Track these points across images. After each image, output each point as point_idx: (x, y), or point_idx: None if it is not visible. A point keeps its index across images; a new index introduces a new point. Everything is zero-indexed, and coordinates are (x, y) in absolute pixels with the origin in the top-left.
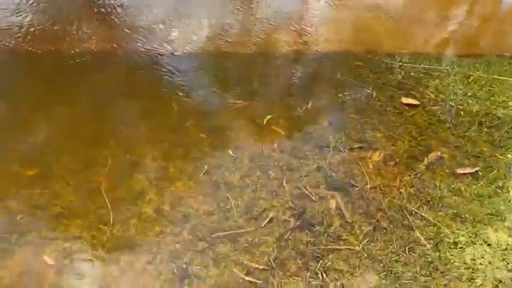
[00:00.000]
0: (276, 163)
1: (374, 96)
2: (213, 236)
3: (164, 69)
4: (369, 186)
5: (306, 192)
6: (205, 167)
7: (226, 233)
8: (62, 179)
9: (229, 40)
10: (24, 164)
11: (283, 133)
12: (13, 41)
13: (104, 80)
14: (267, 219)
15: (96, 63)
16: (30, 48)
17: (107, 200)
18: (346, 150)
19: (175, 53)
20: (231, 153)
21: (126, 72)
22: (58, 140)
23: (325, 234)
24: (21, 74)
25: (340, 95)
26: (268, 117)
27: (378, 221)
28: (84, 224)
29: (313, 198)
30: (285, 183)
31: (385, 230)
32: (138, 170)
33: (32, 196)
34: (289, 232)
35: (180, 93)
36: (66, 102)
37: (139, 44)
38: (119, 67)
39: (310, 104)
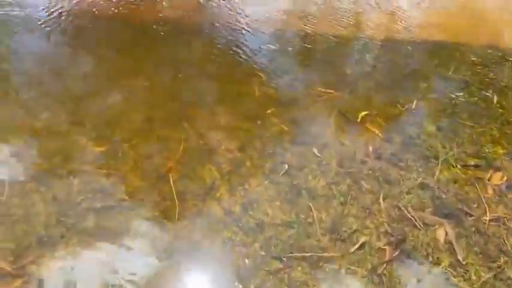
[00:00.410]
0: (371, 172)
1: (495, 101)
2: (290, 255)
3: (248, 49)
4: (487, 218)
5: (408, 214)
6: (285, 166)
7: (305, 254)
8: (131, 160)
9: (319, 21)
10: (95, 139)
11: (380, 135)
12: (95, 9)
13: (184, 57)
14: (358, 245)
15: (178, 38)
16: (110, 15)
17: (174, 191)
18: (458, 166)
19: (262, 32)
20: (316, 152)
21: (208, 50)
22: (131, 116)
23: (430, 274)
24: (100, 42)
25: (452, 95)
26: (364, 113)
27: (500, 267)
28: (147, 216)
29: (416, 223)
30: (381, 200)
31: (510, 281)
32: (210, 159)
33: (97, 176)
34: (385, 265)
35: (263, 77)
36: (143, 76)
37: (224, 21)
38: (201, 44)
39: (414, 102)
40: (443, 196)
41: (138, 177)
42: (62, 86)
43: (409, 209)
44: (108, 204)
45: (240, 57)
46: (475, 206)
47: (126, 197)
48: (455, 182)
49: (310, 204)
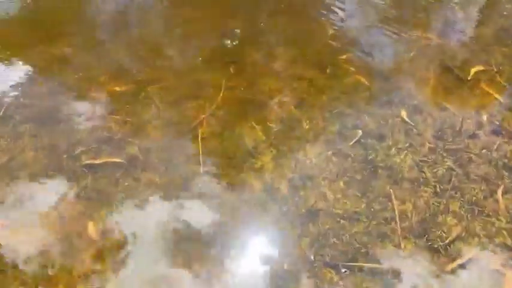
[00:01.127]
0: (484, 151)
1: None
2: (351, 264)
3: None
4: None
5: None
6: (359, 132)
7: (376, 265)
8: (154, 106)
9: None
10: (115, 77)
11: (501, 99)
12: None
13: None
14: (460, 261)
15: None
16: None
17: (200, 152)
18: None
19: None
20: (404, 116)
21: None
22: (166, 51)
23: None
24: None
25: None
26: (477, 68)
27: None
28: (158, 185)
29: None
30: (499, 194)
31: None
32: (257, 115)
33: (110, 122)
34: None
35: (340, 13)
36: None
37: None
38: None
39: None
40: None
41: (159, 130)
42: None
43: None
44: (113, 160)
45: None
46: None
47: (140, 156)
48: None
49: (391, 190)
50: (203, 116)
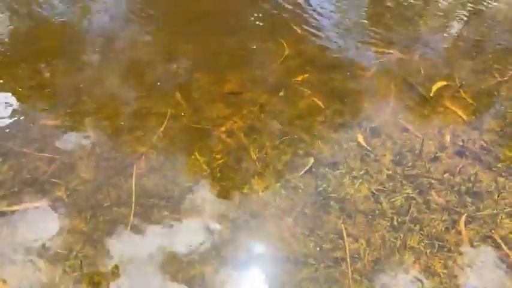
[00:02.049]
0: (447, 176)
1: None
2: None
3: None
4: None
5: (510, 255)
6: (311, 160)
7: None
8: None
9: None
10: (52, 111)
11: (465, 118)
12: None
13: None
14: None
15: None
16: None
17: (133, 192)
18: None
19: None
20: (361, 140)
21: None
22: (107, 79)
23: None
24: None
25: None
26: (440, 84)
27: None
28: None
29: None
30: (461, 225)
31: None
32: (202, 145)
33: (36, 159)
34: None
35: (299, 30)
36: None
37: None
38: None
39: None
40: None
41: (90, 168)
42: None
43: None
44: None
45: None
46: None
47: (66, 199)
48: None
49: (343, 225)
50: (142, 149)
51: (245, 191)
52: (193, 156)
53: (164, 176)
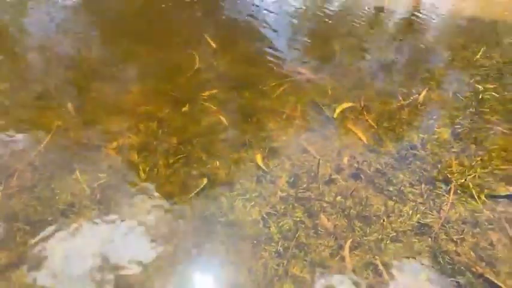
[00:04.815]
0: (339, 199)
1: None
2: None
3: (197, 9)
4: None
5: (387, 279)
6: (204, 181)
7: None
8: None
9: None
10: None
11: (364, 140)
12: None
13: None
14: None
15: None
16: None
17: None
18: (482, 198)
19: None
20: (259, 162)
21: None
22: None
23: None
24: None
25: (478, 87)
26: (344, 105)
27: None
28: None
29: None
30: (346, 251)
31: None
32: (88, 162)
33: None
34: None
35: (213, 44)
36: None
37: None
38: None
39: (422, 94)
40: (454, 249)
41: None
42: None
43: (394, 271)
44: None
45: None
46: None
47: None
48: (475, 224)
49: (224, 254)
50: (16, 166)
51: (125, 215)
52: (74, 176)
53: (36, 198)
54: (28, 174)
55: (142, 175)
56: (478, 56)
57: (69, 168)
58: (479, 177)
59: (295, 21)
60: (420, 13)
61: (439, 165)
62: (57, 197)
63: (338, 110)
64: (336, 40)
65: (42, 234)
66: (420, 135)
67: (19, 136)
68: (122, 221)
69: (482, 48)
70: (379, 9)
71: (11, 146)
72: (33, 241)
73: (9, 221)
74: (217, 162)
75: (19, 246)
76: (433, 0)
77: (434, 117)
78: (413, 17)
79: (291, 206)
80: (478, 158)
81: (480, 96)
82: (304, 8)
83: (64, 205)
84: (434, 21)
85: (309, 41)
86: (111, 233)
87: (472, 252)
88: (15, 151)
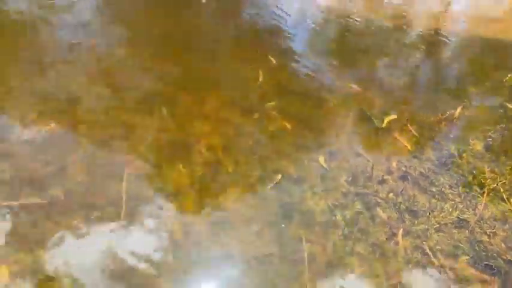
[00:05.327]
0: (391, 195)
1: None
2: None
3: (265, 27)
4: None
5: (435, 262)
6: (278, 176)
7: None
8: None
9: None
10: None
11: (409, 148)
12: None
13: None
14: None
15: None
16: None
17: (124, 195)
18: (511, 201)
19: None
20: (322, 161)
21: (212, 21)
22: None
23: None
24: None
25: (509, 105)
26: (391, 117)
27: None
28: (79, 225)
29: (447, 276)
30: (399, 236)
31: None
32: (185, 158)
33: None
34: None
35: (274, 61)
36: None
37: None
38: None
39: (458, 110)
40: (487, 240)
41: (84, 171)
42: None
43: (438, 254)
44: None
45: (252, 34)
46: None
47: (62, 197)
48: (505, 222)
49: (302, 232)
50: (130, 157)
51: (220, 200)
52: (176, 167)
53: (151, 183)
54: (140, 165)
55: (229, 169)
56: (507, 78)
57: (172, 161)
58: (509, 183)
59: (344, 40)
60: (450, 34)
61: (474, 172)
62: (165, 184)
63: (386, 121)
64: (379, 58)
65: (157, 214)
66: (457, 145)
67: (128, 133)
68: (216, 207)
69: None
70: (416, 30)
71: (121, 143)
72: (155, 217)
73: (136, 200)
74: (287, 161)
75: (145, 222)
76: (463, 22)
77: (468, 130)
78: (443, 38)
79: (351, 199)
80: (508, 167)
81: (510, 114)
82: (350, 28)
83: (172, 190)
84: (465, 42)
85: (357, 59)
86: (213, 215)
87: (502, 244)
88: (127, 145)
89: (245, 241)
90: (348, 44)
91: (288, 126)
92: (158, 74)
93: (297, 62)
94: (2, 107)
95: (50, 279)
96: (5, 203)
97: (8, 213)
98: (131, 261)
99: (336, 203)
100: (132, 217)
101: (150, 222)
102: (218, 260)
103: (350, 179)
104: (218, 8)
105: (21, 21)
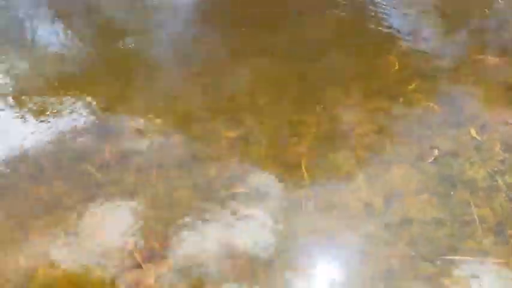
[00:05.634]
0: None
1: None
2: (444, 257)
3: (383, 14)
4: None
5: None
6: (435, 151)
7: (463, 257)
8: (261, 146)
9: None
10: (226, 124)
11: None
12: None
13: (313, 27)
14: None
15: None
16: None
17: (306, 179)
18: None
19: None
20: (474, 134)
21: (338, 20)
22: (260, 98)
23: None
24: (226, 19)
25: None
26: None
27: None
28: (276, 205)
29: None
30: None
31: None
32: (345, 145)
33: (228, 164)
34: None
35: (403, 45)
36: (270, 52)
37: None
38: (331, 14)
39: None
40: None
41: (270, 165)
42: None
43: None
44: (242, 191)
45: (375, 24)
46: None
47: (260, 185)
48: None
49: (469, 197)
50: (302, 150)
51: (388, 177)
52: (341, 154)
53: (325, 169)
54: (313, 154)
55: (389, 150)
56: None
57: (335, 149)
58: None
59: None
60: None
61: None
62: (336, 169)
63: None
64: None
65: (338, 191)
66: None
67: (295, 130)
68: (386, 182)
69: None
70: None
71: (291, 139)
72: (337, 193)
73: (317, 186)
74: (440, 138)
75: (328, 199)
76: None
77: None
78: None
79: (509, 165)
80: None
81: None
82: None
83: (344, 173)
84: None
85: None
86: (384, 190)
87: None
88: (297, 140)
89: (418, 208)
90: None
91: (433, 105)
92: (308, 76)
93: (426, 42)
94: None
95: None
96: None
97: None
98: None
99: (496, 169)
100: (317, 197)
101: (334, 200)
102: (397, 225)
103: (504, 147)
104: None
105: None
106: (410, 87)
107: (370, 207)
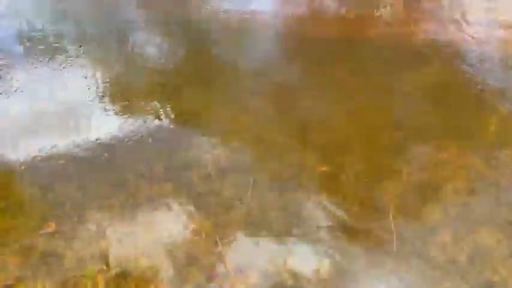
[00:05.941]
0: None
1: None
2: None
3: (488, 76)
4: None
5: None
6: None
7: None
8: (350, 187)
9: None
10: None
11: None
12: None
13: (408, 79)
14: None
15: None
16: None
17: (392, 226)
18: None
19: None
20: None
21: (437, 72)
22: (353, 139)
23: None
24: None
25: None
26: None
27: None
28: (362, 245)
29: None
30: None
31: None
32: (435, 199)
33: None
34: None
35: (504, 111)
36: (365, 98)
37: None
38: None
39: None
40: None
41: (356, 205)
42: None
43: None
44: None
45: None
46: None
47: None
48: None
49: None
50: (390, 197)
51: (474, 237)
52: (428, 208)
53: (413, 220)
54: (403, 203)
55: (477, 211)
56: None
57: (426, 202)
58: None
59: None
60: None
61: None
62: (423, 221)
63: None
64: None
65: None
66: None
67: (385, 176)
68: (471, 242)
69: None
70: None
71: (381, 184)
72: (421, 248)
73: (405, 236)
74: None
75: (414, 252)
76: None
77: None
78: None
79: None
80: None
81: None
82: None
83: (430, 226)
84: None
85: None
86: (467, 247)
87: None
88: (387, 186)
89: (504, 273)
90: None
91: None
92: (404, 126)
93: None
94: None
95: None
96: None
97: None
98: None
99: None
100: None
101: (418, 250)
102: (483, 285)
103: None
104: None
105: None
106: (505, 151)
107: (454, 264)
